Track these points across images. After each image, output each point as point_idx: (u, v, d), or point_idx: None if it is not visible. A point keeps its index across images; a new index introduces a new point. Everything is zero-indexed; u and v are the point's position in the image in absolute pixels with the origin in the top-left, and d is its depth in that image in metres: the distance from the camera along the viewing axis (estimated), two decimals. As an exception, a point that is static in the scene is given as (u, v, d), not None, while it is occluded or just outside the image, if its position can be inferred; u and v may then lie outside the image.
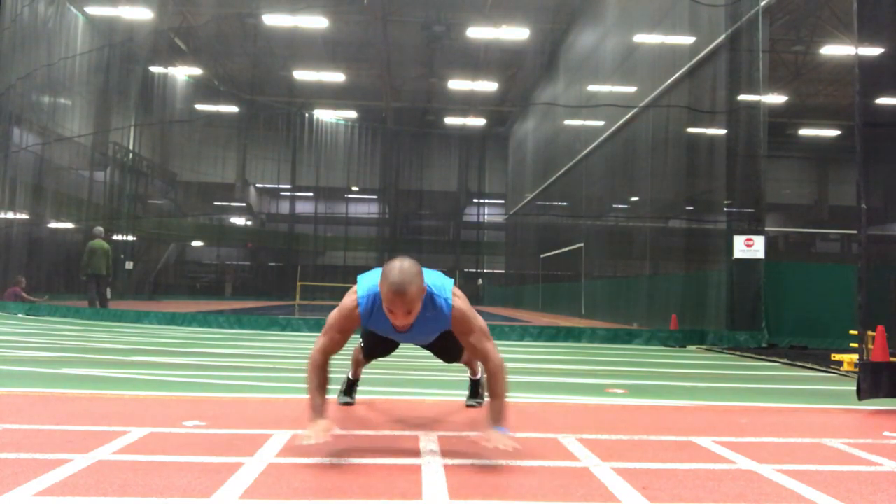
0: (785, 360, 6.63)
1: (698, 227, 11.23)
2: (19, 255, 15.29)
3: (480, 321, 2.46)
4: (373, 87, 26.64)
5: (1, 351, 5.70)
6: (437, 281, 2.43)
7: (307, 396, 2.39)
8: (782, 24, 17.97)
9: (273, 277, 29.25)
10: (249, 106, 25.99)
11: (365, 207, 31.55)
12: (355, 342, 3.17)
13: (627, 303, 13.03)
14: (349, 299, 2.44)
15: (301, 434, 2.25)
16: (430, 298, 2.36)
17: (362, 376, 3.48)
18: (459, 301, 2.43)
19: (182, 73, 22.41)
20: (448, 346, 2.89)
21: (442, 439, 2.61)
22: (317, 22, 20.05)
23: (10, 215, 16.03)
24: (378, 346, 3.00)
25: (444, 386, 4.17)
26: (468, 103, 26.76)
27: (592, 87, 16.85)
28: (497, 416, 2.35)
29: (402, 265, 2.20)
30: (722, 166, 9.92)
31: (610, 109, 14.61)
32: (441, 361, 3.15)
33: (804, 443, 2.78)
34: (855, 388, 3.68)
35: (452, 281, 2.52)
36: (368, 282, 2.44)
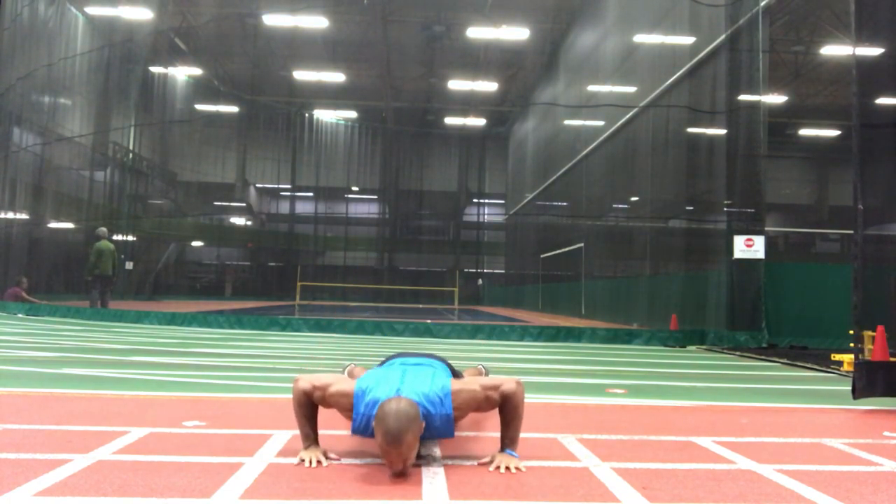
0: (785, 360, 6.63)
1: (698, 227, 11.23)
2: (19, 256, 15.29)
3: (481, 385, 2.30)
4: (373, 87, 26.64)
5: (1, 351, 5.70)
6: (435, 389, 2.23)
7: (298, 429, 2.33)
8: (782, 24, 17.97)
9: (273, 277, 29.24)
10: (249, 106, 25.98)
11: (365, 207, 31.55)
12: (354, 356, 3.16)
13: (627, 303, 13.03)
14: (346, 396, 2.25)
15: (301, 456, 2.24)
16: (428, 417, 2.18)
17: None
18: (458, 395, 2.25)
19: (182, 73, 22.41)
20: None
21: (442, 439, 2.61)
22: (317, 22, 20.06)
23: (11, 215, 16.02)
24: None
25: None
26: (468, 103, 26.76)
27: (592, 87, 16.85)
28: (510, 442, 2.29)
29: (398, 408, 2.02)
30: (722, 166, 9.91)
31: (610, 109, 14.60)
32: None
33: (804, 443, 2.78)
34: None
35: (449, 376, 2.38)
36: (367, 390, 2.22)
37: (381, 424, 2.00)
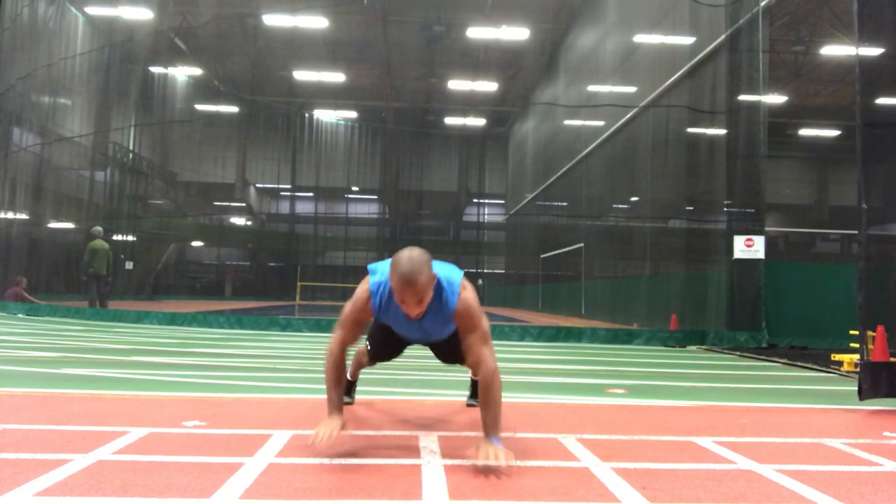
0: (785, 360, 6.63)
1: (698, 227, 11.23)
2: (19, 255, 15.28)
3: (485, 323, 2.43)
4: (373, 87, 26.63)
5: (1, 351, 5.70)
6: (447, 272, 2.42)
7: (326, 392, 2.42)
8: (782, 24, 17.98)
9: (273, 277, 29.24)
10: (249, 106, 25.97)
11: (365, 207, 31.54)
12: (360, 343, 3.17)
13: (627, 303, 13.02)
14: (362, 290, 2.45)
15: (316, 430, 2.26)
16: (438, 288, 2.36)
17: (363, 376, 3.48)
18: (467, 294, 2.41)
19: (182, 73, 22.39)
20: (452, 347, 2.83)
21: (442, 439, 2.61)
22: (317, 22, 20.05)
23: (10, 215, 16.02)
24: (384, 348, 2.98)
25: (444, 386, 4.17)
26: (468, 103, 26.75)
27: (592, 87, 16.85)
28: (490, 428, 2.28)
29: (411, 255, 2.20)
30: (722, 166, 9.91)
31: (610, 109, 14.60)
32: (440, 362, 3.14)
33: (804, 443, 2.78)
34: (855, 388, 3.69)
35: (462, 273, 2.50)
36: (380, 272, 2.44)
37: (396, 269, 2.17)
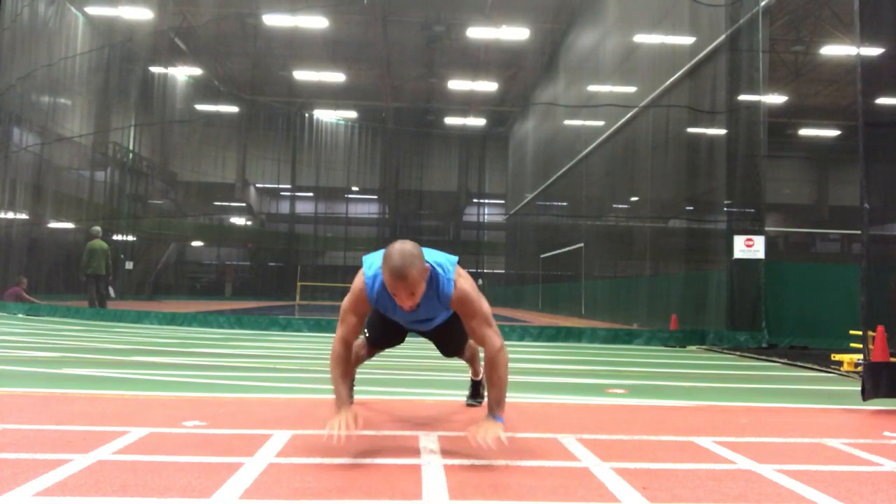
0: (785, 360, 6.63)
1: (698, 227, 11.23)
2: (19, 255, 15.28)
3: (484, 305, 2.44)
4: (373, 87, 26.63)
5: (1, 351, 5.70)
6: (440, 260, 2.43)
7: (333, 388, 2.44)
8: (782, 24, 17.97)
9: (273, 277, 29.23)
10: (249, 106, 25.97)
11: (365, 207, 31.53)
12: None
13: (627, 303, 13.02)
14: (358, 281, 2.47)
15: (330, 424, 2.26)
16: (432, 277, 2.36)
17: (363, 376, 3.48)
18: (462, 281, 2.42)
19: (182, 73, 22.39)
20: (450, 336, 2.87)
21: (442, 439, 2.61)
22: (317, 22, 20.05)
23: (10, 215, 16.02)
24: (383, 335, 2.97)
25: (444, 386, 4.17)
26: (468, 103, 26.74)
27: (592, 87, 16.85)
28: (494, 406, 2.32)
29: (402, 248, 2.21)
30: (722, 166, 9.91)
31: (610, 109, 14.60)
32: (441, 358, 3.13)
33: (804, 443, 2.78)
34: (855, 387, 3.69)
35: (456, 259, 2.51)
36: (374, 263, 2.45)
37: (387, 263, 2.19)
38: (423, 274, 2.26)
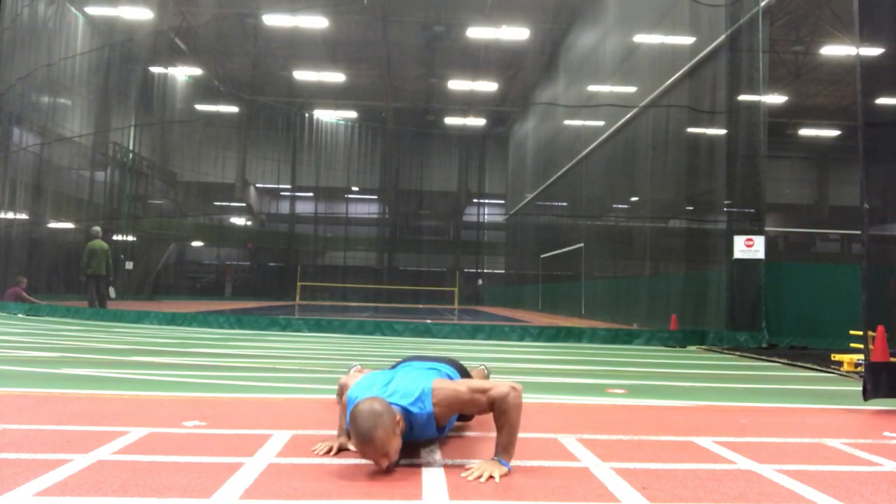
0: (785, 361, 6.63)
1: (698, 227, 11.23)
2: (19, 255, 15.28)
3: (467, 384, 2.31)
4: (373, 87, 26.64)
5: (1, 351, 5.70)
6: (413, 388, 2.26)
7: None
8: (782, 24, 17.97)
9: (273, 277, 29.25)
10: (249, 106, 25.98)
11: (365, 207, 31.54)
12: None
13: (627, 303, 13.02)
14: (342, 387, 2.56)
15: (322, 443, 2.41)
16: (409, 416, 2.22)
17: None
18: (440, 395, 2.25)
19: (182, 73, 22.40)
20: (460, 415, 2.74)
21: (442, 439, 2.61)
22: (317, 22, 20.05)
23: (10, 215, 16.02)
24: None
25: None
26: (468, 103, 26.75)
27: (592, 87, 16.85)
28: (502, 450, 2.19)
29: (371, 406, 2.05)
30: (722, 166, 9.91)
31: (610, 109, 14.60)
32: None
33: (804, 443, 2.78)
34: (855, 387, 3.69)
35: (433, 376, 2.36)
36: (351, 402, 2.28)
37: (353, 426, 2.05)
38: (396, 428, 2.09)
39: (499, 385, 2.24)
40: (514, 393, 2.21)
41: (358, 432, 2.02)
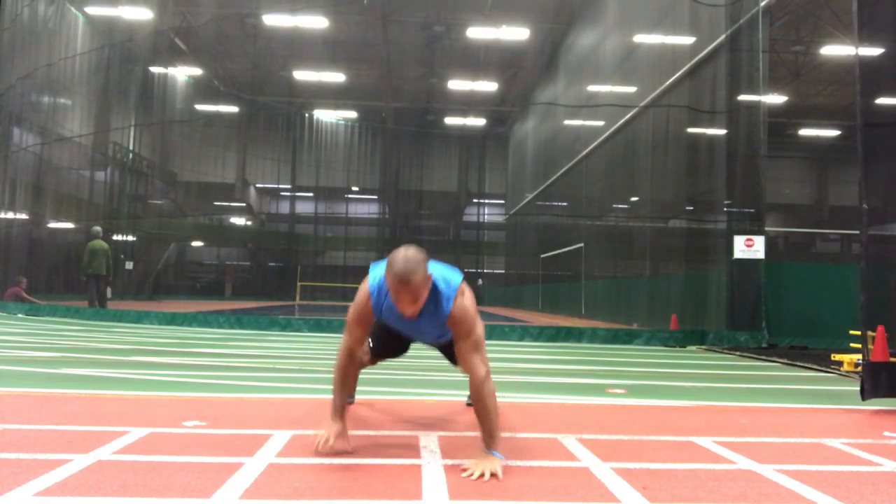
0: (785, 360, 6.63)
1: (698, 227, 11.23)
2: (19, 255, 15.28)
3: (478, 329, 2.37)
4: (373, 87, 26.63)
5: (1, 351, 5.70)
6: (445, 274, 2.38)
7: (333, 395, 2.45)
8: (782, 24, 17.97)
9: (273, 277, 29.23)
10: (249, 106, 25.98)
11: (365, 207, 31.54)
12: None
13: (627, 303, 13.02)
14: (362, 291, 2.44)
15: (317, 434, 2.32)
16: (434, 289, 2.32)
17: (364, 376, 3.47)
18: (463, 300, 2.35)
19: (182, 73, 22.40)
20: (442, 342, 2.83)
21: (442, 439, 2.61)
22: (317, 22, 20.05)
23: (10, 215, 16.02)
24: (386, 345, 2.97)
25: (445, 386, 4.17)
26: (468, 103, 26.75)
27: (592, 87, 16.85)
28: (489, 440, 2.22)
29: (406, 253, 2.19)
30: (722, 166, 9.91)
31: (610, 109, 14.60)
32: (441, 358, 3.13)
33: (804, 443, 2.78)
34: (855, 387, 3.69)
35: (461, 277, 2.45)
36: (378, 272, 2.41)
37: (391, 267, 2.17)
38: (427, 282, 2.22)
39: (484, 365, 2.30)
40: (489, 380, 2.29)
41: (397, 271, 2.14)
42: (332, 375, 2.53)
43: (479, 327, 2.38)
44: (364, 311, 2.44)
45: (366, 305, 2.42)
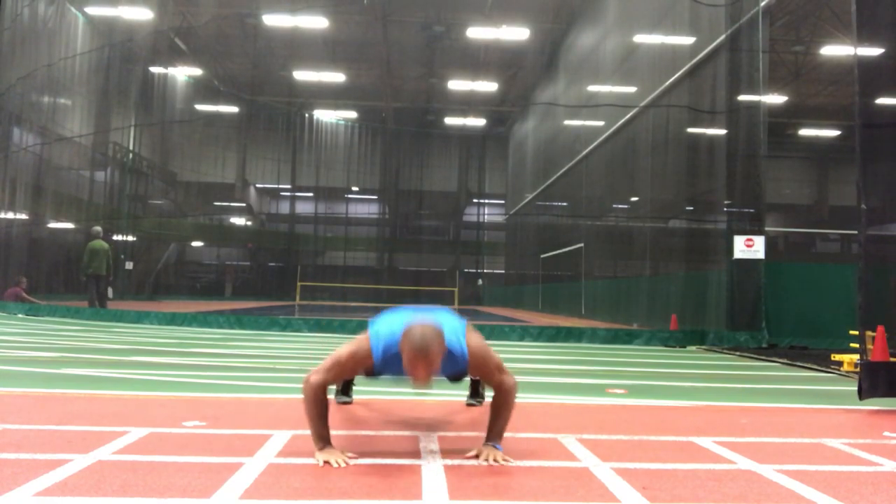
0: (785, 360, 6.63)
1: (698, 227, 11.23)
2: (19, 255, 15.28)
3: (495, 358, 2.46)
4: (373, 87, 26.63)
5: (1, 351, 5.70)
6: (451, 327, 2.40)
7: (310, 428, 2.31)
8: (782, 24, 17.97)
9: (273, 277, 29.23)
10: (249, 106, 25.97)
11: (365, 207, 31.53)
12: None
13: (627, 303, 13.02)
14: (361, 347, 2.37)
15: (323, 458, 2.22)
16: (448, 350, 2.33)
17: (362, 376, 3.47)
18: (474, 343, 2.43)
19: (182, 74, 22.40)
20: (458, 376, 2.85)
21: (442, 439, 2.61)
22: (317, 22, 20.05)
23: (10, 215, 16.02)
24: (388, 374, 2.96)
25: (444, 386, 4.16)
26: (468, 103, 26.74)
27: (592, 87, 16.85)
28: (496, 436, 2.39)
29: (423, 330, 2.20)
30: (722, 166, 9.91)
31: (610, 109, 14.60)
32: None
33: (804, 443, 2.78)
34: (855, 388, 3.69)
35: (465, 322, 2.51)
36: (382, 331, 2.37)
37: (408, 341, 2.20)
38: (442, 351, 2.26)
39: (511, 377, 2.45)
40: (516, 386, 2.45)
41: (414, 345, 2.17)
42: None
43: (494, 355, 2.47)
44: (359, 366, 2.43)
45: (364, 361, 2.39)
